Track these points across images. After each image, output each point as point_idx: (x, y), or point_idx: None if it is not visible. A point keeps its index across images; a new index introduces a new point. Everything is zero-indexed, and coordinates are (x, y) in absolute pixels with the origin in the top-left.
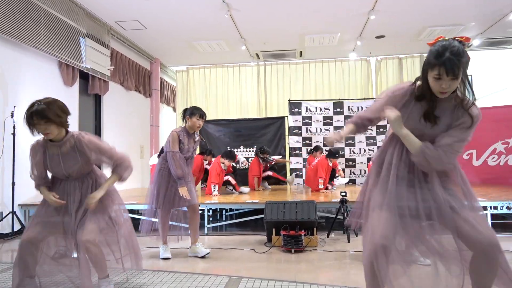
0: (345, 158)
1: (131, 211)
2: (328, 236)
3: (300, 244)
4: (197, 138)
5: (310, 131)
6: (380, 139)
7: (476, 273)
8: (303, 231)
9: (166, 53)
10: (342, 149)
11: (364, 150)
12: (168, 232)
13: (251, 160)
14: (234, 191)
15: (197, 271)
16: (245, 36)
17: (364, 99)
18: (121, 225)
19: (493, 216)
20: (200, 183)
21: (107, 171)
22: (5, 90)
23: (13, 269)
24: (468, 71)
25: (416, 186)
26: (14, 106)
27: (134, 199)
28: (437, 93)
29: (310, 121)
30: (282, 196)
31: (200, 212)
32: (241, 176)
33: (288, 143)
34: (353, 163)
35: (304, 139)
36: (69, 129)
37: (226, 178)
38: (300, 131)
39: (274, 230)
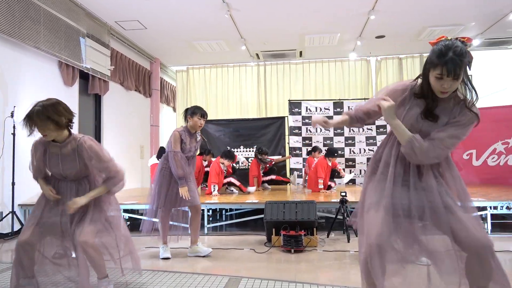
0: (345, 158)
1: (131, 211)
2: (328, 236)
3: (300, 244)
4: (198, 138)
5: (310, 131)
6: (380, 139)
7: (471, 275)
8: (303, 231)
9: (166, 53)
10: (342, 149)
11: (364, 150)
12: (168, 232)
13: (251, 160)
14: (234, 191)
15: (197, 271)
16: (245, 36)
17: (364, 99)
18: (118, 227)
19: (493, 216)
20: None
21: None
22: (5, 90)
23: (12, 270)
24: (468, 71)
25: (411, 186)
26: (14, 106)
27: (134, 199)
28: (437, 92)
29: (310, 121)
30: (282, 196)
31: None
32: (241, 176)
33: (288, 143)
34: (353, 163)
35: (304, 139)
36: (75, 132)
37: (228, 180)
38: (300, 131)
39: (274, 230)
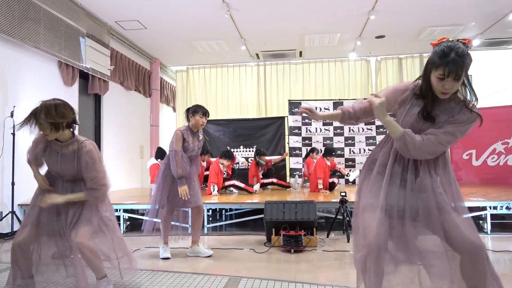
0: (345, 158)
1: (131, 211)
2: (327, 236)
3: (300, 244)
4: (201, 137)
5: (310, 131)
6: (380, 139)
7: (466, 276)
8: (302, 231)
9: (166, 53)
10: (342, 149)
11: (364, 150)
12: (170, 232)
13: (251, 160)
14: (234, 191)
15: (197, 271)
16: (245, 36)
17: (364, 99)
18: (114, 229)
19: (493, 216)
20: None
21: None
22: (5, 90)
23: (10, 271)
24: (468, 71)
25: (407, 186)
26: (14, 106)
27: (134, 199)
28: (438, 93)
29: (310, 121)
30: (282, 196)
31: None
32: (241, 176)
33: (288, 143)
34: (353, 163)
35: (304, 139)
36: (81, 136)
37: (232, 182)
38: (300, 131)
39: (273, 230)
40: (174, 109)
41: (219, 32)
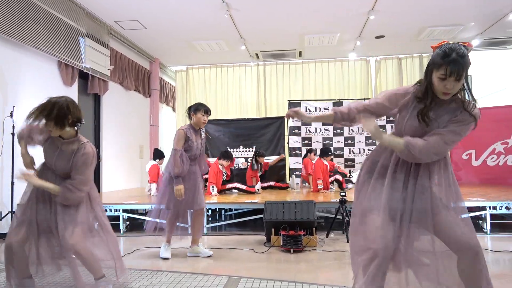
0: (345, 158)
1: (131, 211)
2: (327, 236)
3: (300, 244)
4: (203, 135)
5: (310, 131)
6: None
7: (463, 277)
8: (302, 231)
9: (166, 53)
10: (342, 149)
11: (364, 150)
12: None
13: (250, 160)
14: (233, 191)
15: (197, 271)
16: (244, 36)
17: (364, 99)
18: (108, 230)
19: (492, 216)
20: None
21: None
22: (5, 90)
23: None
24: (468, 71)
25: (408, 188)
26: (14, 106)
27: (134, 199)
28: (439, 94)
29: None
30: (282, 196)
31: None
32: (240, 177)
33: (288, 143)
34: (353, 163)
35: (303, 139)
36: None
37: (233, 185)
38: (299, 131)
39: (273, 230)
40: (174, 109)
41: (219, 32)
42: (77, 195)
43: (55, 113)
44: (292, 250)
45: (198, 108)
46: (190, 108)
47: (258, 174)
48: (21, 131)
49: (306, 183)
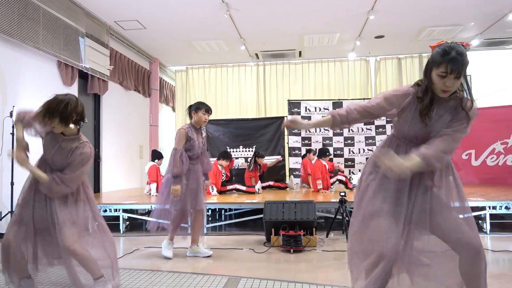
0: (344, 158)
1: (131, 211)
2: (327, 236)
3: (299, 244)
4: (204, 134)
5: (309, 131)
6: (379, 139)
7: (464, 276)
8: (302, 231)
9: (166, 53)
10: (342, 149)
11: (363, 150)
12: (177, 232)
13: (250, 160)
14: (233, 191)
15: (196, 271)
16: (244, 36)
17: (363, 99)
18: (105, 231)
19: (492, 216)
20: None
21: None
22: (4, 90)
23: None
24: (467, 72)
25: (413, 190)
26: (13, 106)
27: (134, 199)
28: (439, 91)
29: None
30: (281, 196)
31: None
32: (239, 176)
33: (287, 143)
34: (352, 163)
35: (303, 139)
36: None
37: (234, 186)
38: (299, 131)
39: (273, 230)
40: (174, 109)
41: (219, 32)
42: (62, 189)
43: (60, 110)
44: (292, 250)
45: (199, 107)
46: (190, 107)
47: (258, 174)
48: (21, 114)
49: (305, 184)
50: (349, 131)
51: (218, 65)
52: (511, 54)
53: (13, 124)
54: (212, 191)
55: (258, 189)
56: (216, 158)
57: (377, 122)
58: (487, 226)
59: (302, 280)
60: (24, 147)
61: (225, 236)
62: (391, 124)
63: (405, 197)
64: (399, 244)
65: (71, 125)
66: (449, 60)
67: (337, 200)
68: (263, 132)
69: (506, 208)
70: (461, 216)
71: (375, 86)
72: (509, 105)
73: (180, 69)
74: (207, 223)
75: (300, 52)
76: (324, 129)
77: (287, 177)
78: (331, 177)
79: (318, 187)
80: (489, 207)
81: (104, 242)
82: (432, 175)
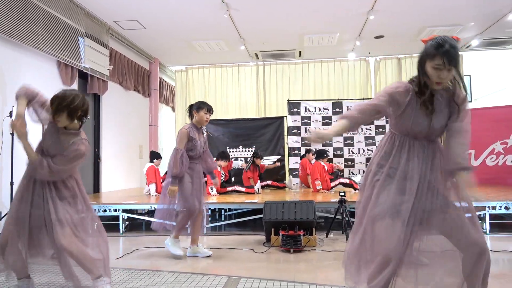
0: (344, 158)
1: (130, 211)
2: (327, 236)
3: (299, 244)
4: (205, 133)
5: (309, 131)
6: (379, 139)
7: (466, 276)
8: (302, 231)
9: (165, 53)
10: (341, 149)
11: (363, 150)
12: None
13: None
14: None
15: (196, 271)
16: (244, 36)
17: (363, 99)
18: (101, 231)
19: (492, 216)
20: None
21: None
22: (4, 90)
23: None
24: (467, 71)
25: (419, 189)
26: (13, 106)
27: (133, 199)
28: (433, 84)
29: (309, 121)
30: (281, 196)
31: None
32: (239, 177)
33: (287, 143)
34: (352, 163)
35: (303, 139)
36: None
37: (233, 188)
38: (299, 131)
39: (273, 230)
40: (173, 109)
41: (218, 32)
42: (45, 175)
43: (69, 106)
44: (291, 250)
45: (200, 107)
46: (192, 106)
47: (258, 175)
48: (27, 90)
49: (304, 185)
50: (348, 131)
51: (218, 65)
52: (511, 54)
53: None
54: (212, 192)
55: (258, 189)
56: (215, 159)
57: (377, 122)
58: (486, 226)
59: (301, 280)
60: (22, 113)
61: (224, 236)
62: None
63: (412, 197)
64: (405, 245)
65: (75, 121)
66: (444, 52)
67: (337, 200)
68: (262, 132)
69: (506, 208)
70: (469, 216)
71: (375, 86)
72: (508, 105)
73: (180, 69)
74: (207, 223)
75: (300, 52)
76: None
77: (287, 177)
78: (331, 180)
79: (318, 188)
80: (489, 207)
81: (100, 242)
82: (439, 174)
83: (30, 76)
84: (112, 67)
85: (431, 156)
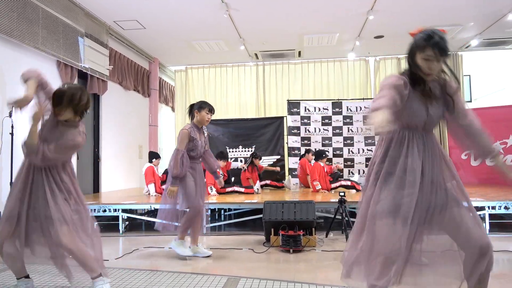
0: (344, 158)
1: (130, 211)
2: (326, 236)
3: (299, 244)
4: (205, 133)
5: (309, 131)
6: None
7: (469, 276)
8: (301, 231)
9: (165, 53)
10: (341, 149)
11: (363, 150)
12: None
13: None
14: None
15: (196, 271)
16: (244, 36)
17: (363, 99)
18: (95, 230)
19: (491, 216)
20: None
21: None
22: (4, 90)
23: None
24: (467, 71)
25: (423, 187)
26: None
27: (133, 199)
28: (423, 75)
29: (308, 121)
30: (281, 196)
31: None
32: (238, 177)
33: (287, 143)
34: (352, 163)
35: (302, 139)
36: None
37: (232, 188)
38: (298, 131)
39: (272, 230)
40: (173, 109)
41: (218, 32)
42: (37, 159)
43: (73, 101)
44: (291, 250)
45: (202, 106)
46: (193, 105)
47: (257, 174)
48: (39, 74)
49: (303, 185)
50: (348, 131)
51: (218, 65)
52: (510, 54)
53: (12, 124)
54: (211, 192)
55: (258, 189)
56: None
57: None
58: (486, 226)
59: (301, 280)
60: (32, 92)
61: (224, 236)
62: None
63: (415, 189)
64: (408, 245)
65: (77, 114)
66: (434, 44)
67: (337, 200)
68: (262, 132)
69: (505, 208)
70: (472, 214)
71: (375, 86)
72: (508, 105)
73: (179, 69)
74: (207, 223)
75: (299, 52)
76: (324, 129)
77: (286, 177)
78: (331, 182)
79: (317, 188)
80: (489, 207)
81: (95, 242)
82: (442, 172)
83: None
84: (112, 67)
85: (430, 147)
